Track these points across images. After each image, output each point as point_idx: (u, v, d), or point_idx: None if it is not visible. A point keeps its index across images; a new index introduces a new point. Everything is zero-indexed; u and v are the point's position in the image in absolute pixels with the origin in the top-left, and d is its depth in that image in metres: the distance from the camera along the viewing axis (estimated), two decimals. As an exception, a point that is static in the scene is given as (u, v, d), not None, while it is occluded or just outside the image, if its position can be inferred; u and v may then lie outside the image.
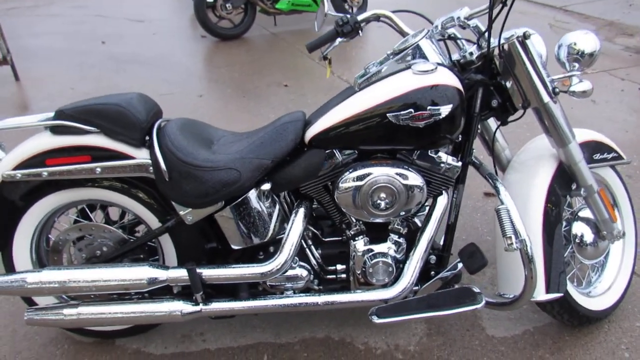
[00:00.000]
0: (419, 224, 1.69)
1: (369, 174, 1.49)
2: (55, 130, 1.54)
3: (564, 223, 1.77)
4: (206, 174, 1.48)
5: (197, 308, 1.58)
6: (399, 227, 1.65)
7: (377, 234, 1.64)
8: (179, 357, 1.78)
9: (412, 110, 1.43)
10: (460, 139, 1.60)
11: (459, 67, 1.61)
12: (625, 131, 3.27)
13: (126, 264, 1.59)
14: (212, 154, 1.55)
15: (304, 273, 1.63)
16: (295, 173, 1.57)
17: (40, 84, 4.54)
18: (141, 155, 1.54)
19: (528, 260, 1.43)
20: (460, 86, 1.46)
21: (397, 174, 1.49)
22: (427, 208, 1.64)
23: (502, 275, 1.64)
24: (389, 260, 1.59)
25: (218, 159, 1.50)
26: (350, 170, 1.51)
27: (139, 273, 1.53)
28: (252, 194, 1.55)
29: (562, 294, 1.58)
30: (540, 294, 1.56)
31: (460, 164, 1.57)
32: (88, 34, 6.06)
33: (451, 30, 1.60)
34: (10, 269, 1.69)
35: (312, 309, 1.59)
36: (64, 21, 6.76)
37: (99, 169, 1.53)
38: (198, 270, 1.54)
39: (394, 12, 1.73)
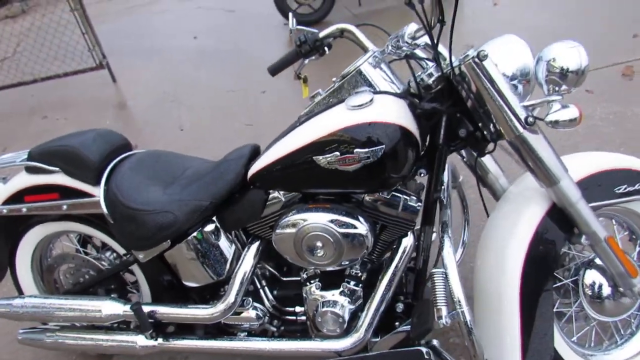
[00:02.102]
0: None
1: (302, 221, 1.35)
2: (29, 169, 1.64)
3: (573, 271, 1.45)
4: (144, 216, 1.46)
5: (154, 343, 1.60)
6: (357, 271, 1.48)
7: (332, 278, 1.49)
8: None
9: (337, 153, 1.24)
10: (424, 175, 1.37)
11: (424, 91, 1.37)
12: None
13: (90, 296, 1.66)
14: (160, 194, 1.52)
15: (258, 315, 1.56)
16: (238, 214, 1.48)
17: (133, 85, 4.94)
18: (99, 194, 1.57)
19: (468, 333, 1.18)
20: (401, 120, 1.23)
21: (332, 221, 1.32)
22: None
23: (483, 334, 1.39)
24: (338, 311, 1.44)
25: (156, 201, 1.47)
26: (287, 215, 1.38)
27: (98, 306, 1.59)
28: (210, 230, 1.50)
29: (544, 366, 1.29)
30: (515, 366, 1.29)
31: (418, 205, 1.35)
32: (183, 29, 6.42)
33: (406, 49, 1.35)
34: (20, 291, 1.88)
35: (263, 354, 1.52)
36: (165, 18, 7.24)
37: (65, 206, 1.61)
38: (146, 309, 1.56)
39: (357, 26, 1.52)
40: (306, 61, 1.61)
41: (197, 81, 4.65)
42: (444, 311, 1.18)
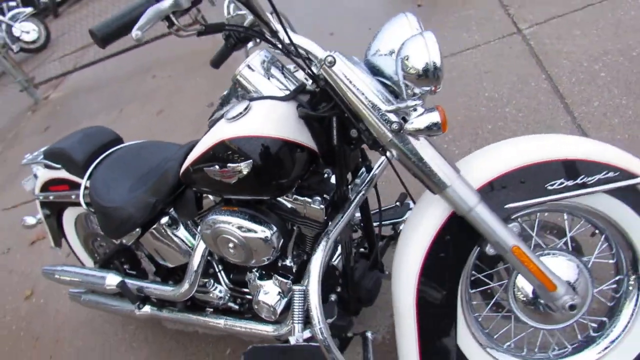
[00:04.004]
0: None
1: (214, 223, 1.42)
2: (46, 165, 1.97)
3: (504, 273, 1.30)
4: (110, 212, 1.67)
5: (148, 311, 1.87)
6: (290, 263, 1.51)
7: (267, 268, 1.55)
8: (178, 334, 2.15)
9: (217, 167, 1.27)
10: (330, 174, 1.33)
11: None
12: None
13: (101, 269, 1.98)
14: (124, 190, 1.70)
15: (219, 295, 1.71)
16: (182, 209, 1.61)
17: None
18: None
19: (326, 351, 1.17)
20: (273, 130, 1.20)
21: (237, 225, 1.37)
22: None
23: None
24: (269, 301, 1.50)
25: (118, 199, 1.66)
26: (206, 215, 1.46)
27: (103, 277, 1.90)
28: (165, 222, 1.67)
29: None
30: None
31: (321, 207, 1.32)
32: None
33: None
34: (78, 259, 2.31)
35: (218, 331, 1.69)
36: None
37: (73, 196, 1.91)
38: (134, 284, 1.82)
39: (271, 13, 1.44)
40: (249, 47, 1.59)
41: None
42: (297, 328, 1.19)
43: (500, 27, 2.96)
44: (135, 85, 5.07)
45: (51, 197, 2.01)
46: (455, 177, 1.12)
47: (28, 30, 7.88)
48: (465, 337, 1.26)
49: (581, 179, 1.15)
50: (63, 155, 1.84)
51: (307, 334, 1.23)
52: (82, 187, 1.78)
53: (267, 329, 1.56)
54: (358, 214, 1.61)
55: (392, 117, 1.08)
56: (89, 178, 1.79)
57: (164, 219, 1.65)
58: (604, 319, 1.32)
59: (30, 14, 7.87)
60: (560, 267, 1.21)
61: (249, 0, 1.12)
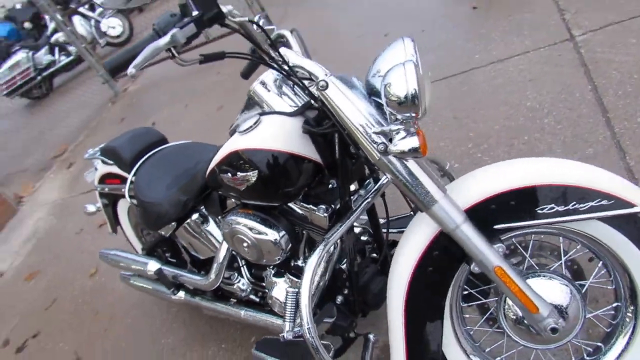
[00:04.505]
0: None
1: (231, 223, 1.55)
2: (103, 160, 2.20)
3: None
4: (149, 207, 1.86)
5: (182, 297, 2.06)
6: (301, 264, 1.62)
7: (282, 267, 1.67)
8: (212, 320, 2.33)
9: (229, 174, 1.40)
10: (335, 185, 1.42)
11: None
12: None
13: (146, 255, 2.18)
14: (163, 188, 1.88)
15: (241, 288, 1.85)
16: (210, 208, 1.76)
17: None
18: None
19: (315, 351, 1.26)
20: (279, 144, 1.31)
21: (249, 227, 1.50)
22: None
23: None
24: (281, 297, 1.62)
25: (156, 195, 1.85)
26: (225, 216, 1.60)
27: (145, 263, 2.10)
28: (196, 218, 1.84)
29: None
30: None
31: (324, 215, 1.42)
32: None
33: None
34: (131, 245, 2.56)
35: (238, 319, 1.84)
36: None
37: (123, 189, 2.13)
38: (170, 272, 2.00)
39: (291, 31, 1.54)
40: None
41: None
42: (287, 326, 1.29)
43: (553, 33, 2.87)
44: (200, 82, 5.37)
45: (106, 189, 2.25)
46: (441, 196, 1.17)
47: (114, 26, 8.49)
48: (452, 346, 1.32)
49: (573, 205, 1.16)
50: (114, 153, 2.06)
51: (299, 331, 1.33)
52: (128, 182, 1.99)
53: (279, 322, 1.68)
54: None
55: (379, 138, 1.15)
56: (134, 174, 2.00)
57: (195, 216, 1.81)
58: (600, 344, 1.32)
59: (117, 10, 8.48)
60: (551, 289, 1.23)
61: (250, 34, 1.23)
